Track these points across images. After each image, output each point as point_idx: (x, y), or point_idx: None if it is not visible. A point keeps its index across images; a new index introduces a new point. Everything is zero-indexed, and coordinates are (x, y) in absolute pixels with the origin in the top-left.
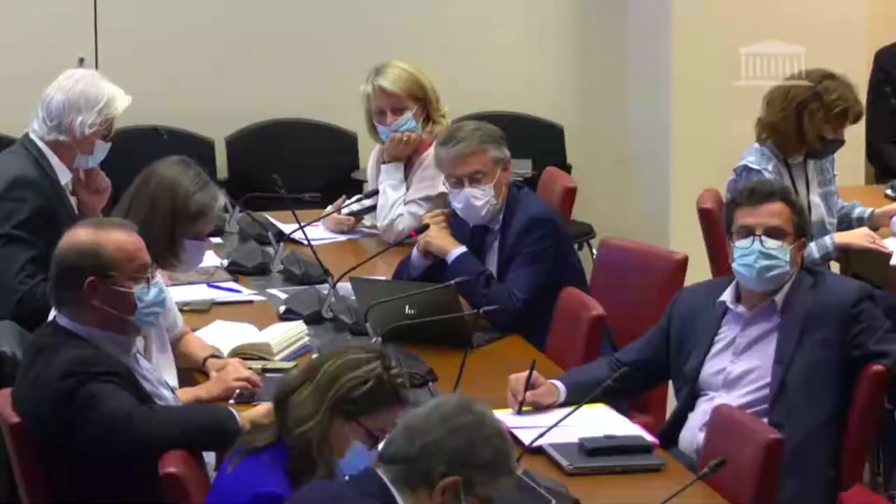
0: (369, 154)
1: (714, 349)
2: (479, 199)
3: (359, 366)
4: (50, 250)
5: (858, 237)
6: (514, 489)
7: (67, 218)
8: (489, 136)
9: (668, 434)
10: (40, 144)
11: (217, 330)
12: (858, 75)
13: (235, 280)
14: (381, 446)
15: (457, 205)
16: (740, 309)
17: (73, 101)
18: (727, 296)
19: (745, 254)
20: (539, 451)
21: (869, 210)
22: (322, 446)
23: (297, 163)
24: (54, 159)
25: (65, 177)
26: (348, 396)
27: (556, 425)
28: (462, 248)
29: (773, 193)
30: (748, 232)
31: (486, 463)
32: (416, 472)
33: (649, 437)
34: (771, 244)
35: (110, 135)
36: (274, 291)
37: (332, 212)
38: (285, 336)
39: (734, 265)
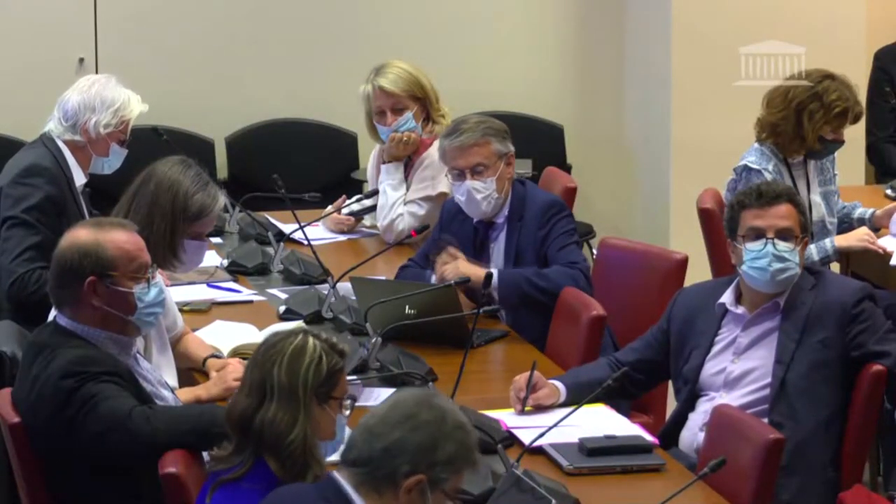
0: (369, 154)
1: (714, 349)
2: (481, 192)
3: (302, 352)
4: (56, 241)
5: (857, 239)
6: (477, 475)
7: (77, 216)
8: (492, 130)
9: (669, 434)
10: (59, 143)
11: (217, 330)
12: (858, 75)
13: (235, 280)
14: (342, 449)
15: (459, 197)
16: (740, 310)
17: (88, 102)
18: (727, 297)
19: (758, 256)
20: (539, 451)
21: (870, 211)
22: (313, 444)
23: (297, 163)
24: (71, 159)
25: (80, 179)
26: (316, 383)
27: (556, 425)
28: (493, 270)
29: (781, 195)
30: (759, 234)
31: (449, 458)
32: (380, 473)
33: (649, 437)
34: (783, 246)
35: (126, 140)
36: (274, 291)
37: (332, 212)
38: None
39: (743, 268)
